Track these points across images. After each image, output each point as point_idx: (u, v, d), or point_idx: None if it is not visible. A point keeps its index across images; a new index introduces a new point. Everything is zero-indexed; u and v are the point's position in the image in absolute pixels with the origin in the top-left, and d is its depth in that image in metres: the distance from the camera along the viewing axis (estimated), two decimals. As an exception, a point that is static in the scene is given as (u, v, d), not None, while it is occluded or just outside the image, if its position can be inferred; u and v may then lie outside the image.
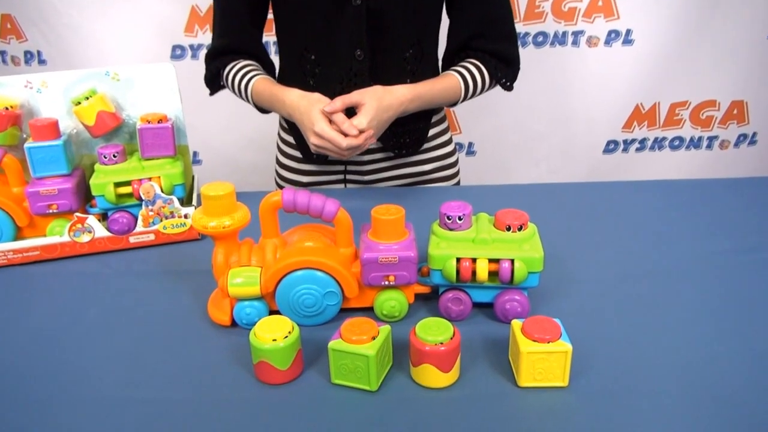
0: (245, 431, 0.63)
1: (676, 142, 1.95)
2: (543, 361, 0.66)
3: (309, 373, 0.70)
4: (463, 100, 1.12)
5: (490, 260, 0.75)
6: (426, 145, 1.20)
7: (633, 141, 1.93)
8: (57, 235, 0.95)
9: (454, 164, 1.26)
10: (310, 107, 0.98)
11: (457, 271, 0.76)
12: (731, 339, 0.74)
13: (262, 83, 1.08)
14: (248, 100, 1.12)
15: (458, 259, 0.75)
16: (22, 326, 0.80)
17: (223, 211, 0.74)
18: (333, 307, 0.77)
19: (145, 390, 0.68)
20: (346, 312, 0.79)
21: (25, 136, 0.98)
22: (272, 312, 0.78)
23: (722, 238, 0.97)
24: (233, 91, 1.13)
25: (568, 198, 1.14)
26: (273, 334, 0.67)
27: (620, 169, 1.94)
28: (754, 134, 1.97)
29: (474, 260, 0.75)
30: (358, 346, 0.66)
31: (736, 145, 1.95)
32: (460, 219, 0.77)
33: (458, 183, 1.29)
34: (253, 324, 0.75)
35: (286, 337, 0.68)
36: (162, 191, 0.97)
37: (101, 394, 0.68)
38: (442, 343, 0.66)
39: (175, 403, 0.66)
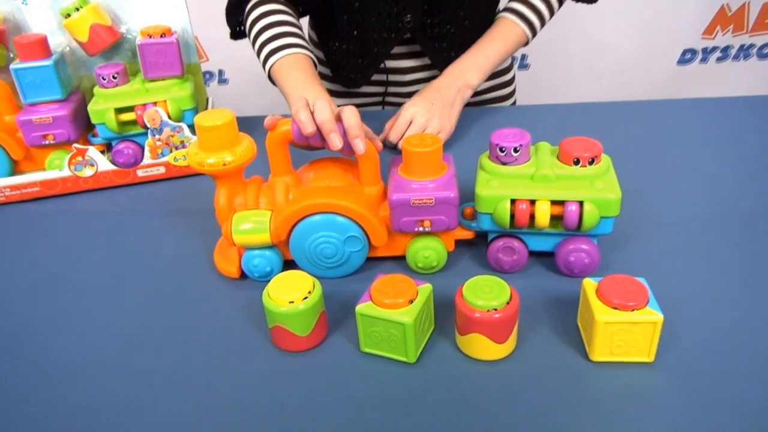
0: (259, 408, 0.52)
1: (766, 50, 1.69)
2: (624, 332, 0.52)
3: (334, 338, 0.59)
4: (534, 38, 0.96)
5: (553, 202, 0.61)
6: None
7: (714, 49, 1.68)
8: (57, 168, 0.84)
9: (511, 81, 1.09)
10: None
11: (512, 216, 0.62)
12: None
13: (287, 65, 0.84)
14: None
15: (513, 201, 0.61)
16: (20, 270, 0.72)
17: (223, 145, 0.61)
18: (358, 253, 0.64)
19: (143, 357, 0.58)
20: (374, 261, 0.67)
21: (12, 55, 0.85)
22: (286, 262, 0.66)
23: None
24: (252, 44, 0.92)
25: (640, 119, 0.96)
26: (290, 295, 0.56)
27: (696, 83, 1.70)
28: None
29: (533, 202, 0.61)
30: (393, 311, 0.54)
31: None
32: (515, 151, 0.62)
33: (514, 103, 1.12)
34: (266, 276, 0.64)
35: (306, 298, 0.56)
36: (169, 117, 0.84)
37: (99, 355, 0.59)
38: (496, 309, 0.53)
39: (177, 371, 0.56)
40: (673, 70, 1.71)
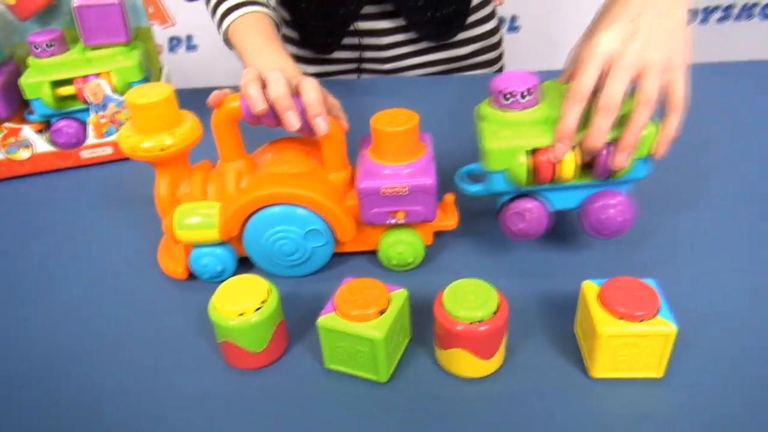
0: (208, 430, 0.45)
1: (770, 9, 1.59)
2: (631, 346, 0.45)
3: (295, 352, 0.51)
4: None
5: (579, 146, 0.51)
6: (465, 21, 0.93)
7: (715, 9, 1.58)
8: (-12, 151, 0.75)
9: (498, 45, 0.99)
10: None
11: (532, 169, 0.52)
12: None
13: (243, 27, 0.72)
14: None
15: (532, 152, 0.52)
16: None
17: (161, 126, 0.52)
18: (322, 249, 0.56)
19: (71, 373, 0.50)
20: (342, 257, 0.59)
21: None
22: (242, 259, 0.58)
23: None
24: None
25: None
26: (240, 306, 0.47)
27: (696, 45, 1.61)
28: None
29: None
30: (361, 325, 0.46)
31: None
32: (524, 96, 0.52)
33: (501, 69, 1.02)
34: (218, 276, 0.55)
35: (259, 308, 0.48)
36: (114, 91, 0.74)
37: (17, 371, 0.50)
38: (481, 321, 0.45)
39: (111, 390, 0.48)
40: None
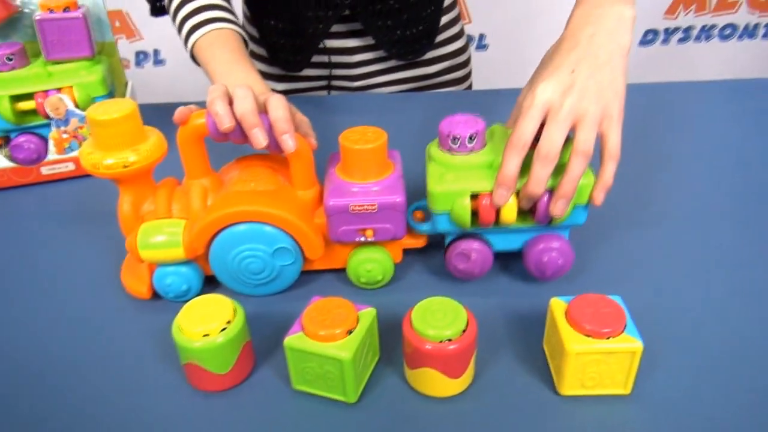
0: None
1: (728, 31, 1.64)
2: (599, 363, 0.45)
3: (262, 373, 0.50)
4: None
5: (518, 193, 0.52)
6: (434, 40, 0.94)
7: (676, 30, 1.63)
8: (-57, 167, 0.72)
9: (466, 63, 1.00)
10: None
11: (474, 213, 0.53)
12: None
13: (209, 42, 0.70)
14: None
15: (474, 196, 0.53)
16: None
17: (124, 142, 0.51)
18: (290, 268, 0.55)
19: (32, 395, 0.48)
20: (310, 275, 0.58)
21: None
22: (208, 278, 0.57)
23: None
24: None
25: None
26: (205, 326, 0.46)
27: (658, 64, 1.65)
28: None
29: None
30: (329, 345, 0.45)
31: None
32: (471, 140, 0.53)
33: (470, 87, 1.03)
34: (183, 296, 0.54)
35: (224, 329, 0.47)
36: (77, 106, 0.73)
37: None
38: (450, 340, 0.45)
39: (73, 412, 0.47)
40: (635, 51, 1.66)
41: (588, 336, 0.45)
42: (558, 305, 0.48)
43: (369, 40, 0.90)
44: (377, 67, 0.93)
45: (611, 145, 0.51)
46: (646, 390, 0.47)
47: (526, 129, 0.49)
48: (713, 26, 1.64)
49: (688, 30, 1.64)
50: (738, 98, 0.88)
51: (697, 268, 0.58)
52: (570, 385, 0.46)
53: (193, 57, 0.73)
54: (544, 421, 0.45)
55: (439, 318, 0.46)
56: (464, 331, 0.45)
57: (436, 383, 0.46)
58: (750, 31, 1.64)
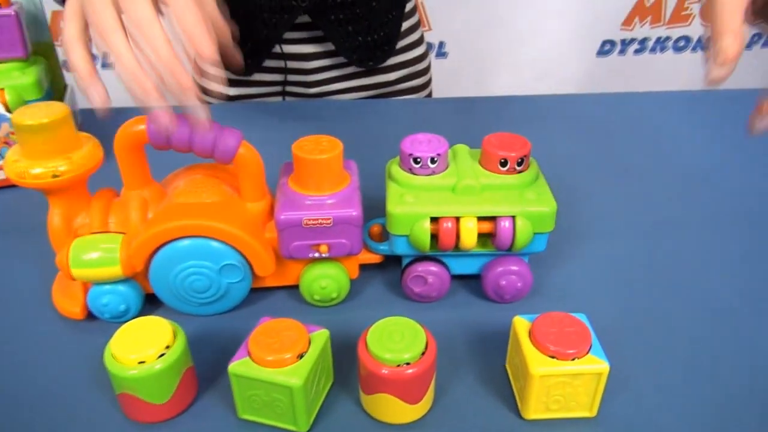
0: None
1: (681, 43, 1.67)
2: (564, 386, 0.43)
3: (205, 401, 0.46)
4: None
5: (480, 218, 0.51)
6: (395, 46, 0.91)
7: (632, 41, 1.65)
8: None
9: (426, 70, 0.98)
10: None
11: (434, 237, 0.51)
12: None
13: None
14: None
15: (434, 219, 0.50)
16: None
17: (54, 150, 0.46)
18: (239, 284, 0.51)
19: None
20: (260, 291, 0.55)
21: None
22: (148, 296, 0.52)
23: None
24: None
25: (566, 114, 0.88)
26: (140, 353, 0.42)
27: (615, 74, 1.67)
28: (768, 34, 1.71)
29: (457, 219, 0.50)
30: (277, 371, 0.42)
31: (750, 46, 1.68)
32: (433, 161, 0.51)
33: (430, 95, 1.01)
34: (121, 317, 0.50)
35: (163, 354, 0.43)
36: (8, 110, 0.68)
37: None
38: (408, 364, 0.42)
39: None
40: (593, 61, 1.67)
41: (553, 357, 0.42)
42: (521, 324, 0.45)
43: (328, 46, 0.87)
44: (335, 73, 0.90)
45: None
46: (612, 412, 0.45)
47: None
48: (668, 38, 1.67)
49: (644, 41, 1.66)
50: (695, 108, 0.89)
51: (662, 282, 0.57)
52: (534, 409, 0.44)
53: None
54: (508, 447, 0.43)
55: (396, 340, 0.43)
56: (423, 353, 0.43)
57: (394, 409, 0.43)
58: (703, 44, 1.67)
